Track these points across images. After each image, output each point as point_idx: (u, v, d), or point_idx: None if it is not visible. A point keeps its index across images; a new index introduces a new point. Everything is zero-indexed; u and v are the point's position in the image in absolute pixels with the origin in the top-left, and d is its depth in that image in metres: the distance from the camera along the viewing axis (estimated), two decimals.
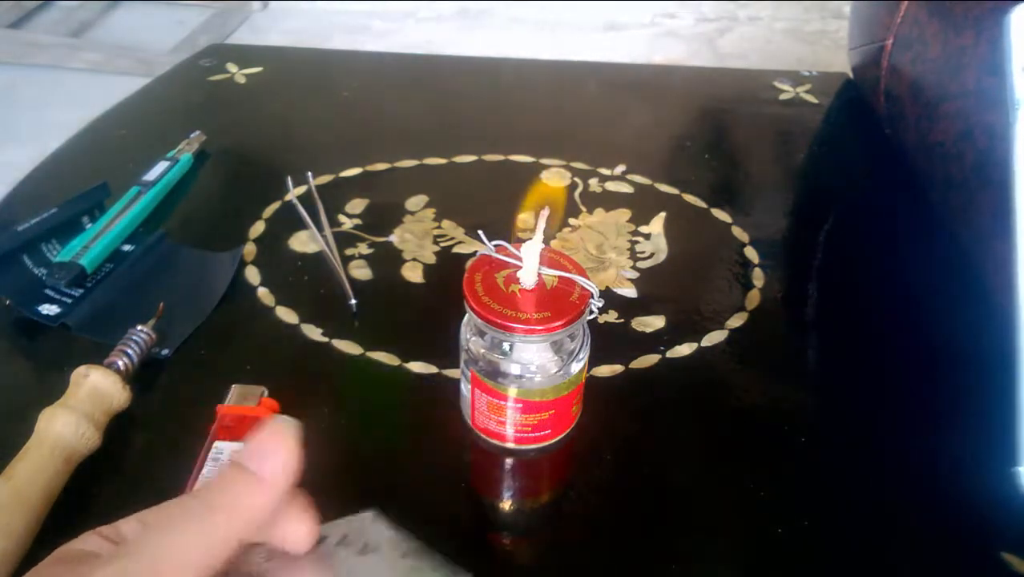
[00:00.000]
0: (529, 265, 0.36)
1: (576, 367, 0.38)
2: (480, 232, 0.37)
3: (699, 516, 0.38)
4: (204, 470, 0.37)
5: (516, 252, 0.36)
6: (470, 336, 0.38)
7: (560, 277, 0.36)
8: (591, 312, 0.37)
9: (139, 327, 0.43)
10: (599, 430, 0.42)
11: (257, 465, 0.23)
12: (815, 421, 0.43)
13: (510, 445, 0.40)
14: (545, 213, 0.35)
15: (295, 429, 0.24)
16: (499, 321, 0.35)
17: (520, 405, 0.37)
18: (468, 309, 0.36)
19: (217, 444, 0.38)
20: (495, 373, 0.37)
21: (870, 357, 0.47)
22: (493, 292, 0.36)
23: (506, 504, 0.39)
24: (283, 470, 0.23)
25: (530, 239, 0.35)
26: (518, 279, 0.36)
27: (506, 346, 0.37)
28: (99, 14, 2.04)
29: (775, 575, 0.36)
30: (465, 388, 0.40)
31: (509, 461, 0.40)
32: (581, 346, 0.38)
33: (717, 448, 0.41)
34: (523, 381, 0.37)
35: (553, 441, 0.40)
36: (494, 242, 0.37)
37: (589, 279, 0.36)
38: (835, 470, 0.41)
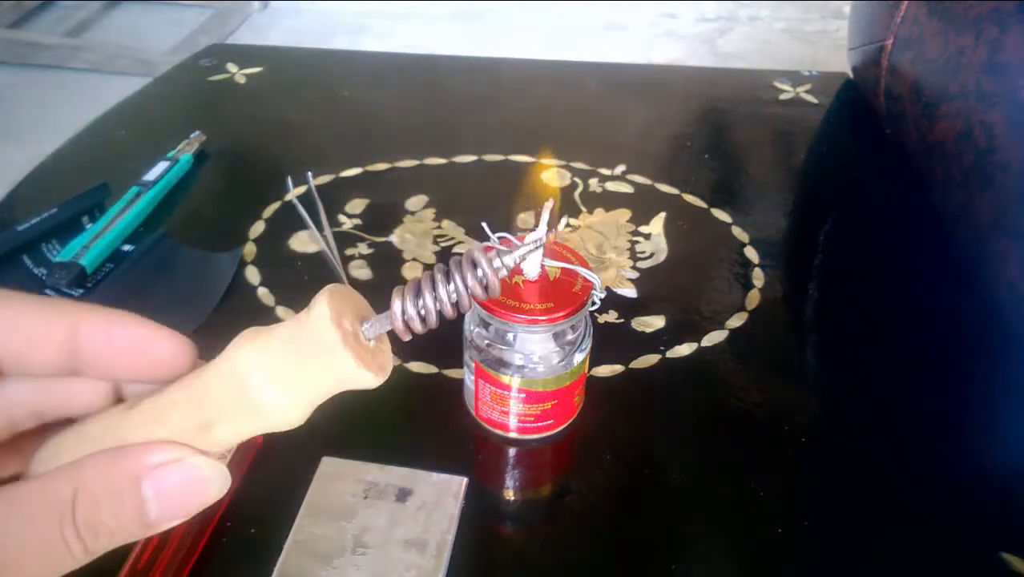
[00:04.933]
0: (532, 257, 0.36)
1: (578, 358, 0.38)
2: (484, 224, 0.37)
3: (699, 516, 0.38)
4: None
5: (519, 244, 0.36)
6: (474, 327, 0.38)
7: (563, 269, 0.37)
8: (594, 303, 0.37)
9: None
10: (599, 430, 0.42)
11: (154, 501, 0.19)
12: (815, 421, 0.43)
13: (513, 435, 0.40)
14: (549, 205, 0.36)
15: (220, 484, 0.20)
16: (502, 312, 0.35)
17: (523, 395, 0.38)
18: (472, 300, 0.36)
19: None
20: (498, 363, 0.37)
21: (870, 357, 0.47)
22: None
23: (508, 493, 0.39)
24: (174, 522, 0.20)
25: (533, 231, 0.36)
26: (521, 270, 0.37)
27: (509, 336, 0.37)
28: (99, 14, 2.04)
29: (775, 575, 0.36)
30: (469, 379, 0.40)
31: (512, 450, 0.41)
32: (583, 337, 0.38)
33: (717, 448, 0.41)
34: (526, 371, 0.37)
35: (556, 431, 0.40)
36: (498, 234, 0.37)
37: (592, 270, 0.36)
38: (835, 470, 0.41)
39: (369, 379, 0.21)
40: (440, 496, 0.37)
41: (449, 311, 0.22)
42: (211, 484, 0.20)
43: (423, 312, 0.22)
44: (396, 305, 0.21)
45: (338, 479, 0.38)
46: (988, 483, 0.40)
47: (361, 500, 0.37)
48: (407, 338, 0.22)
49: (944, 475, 0.40)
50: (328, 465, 0.38)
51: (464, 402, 0.42)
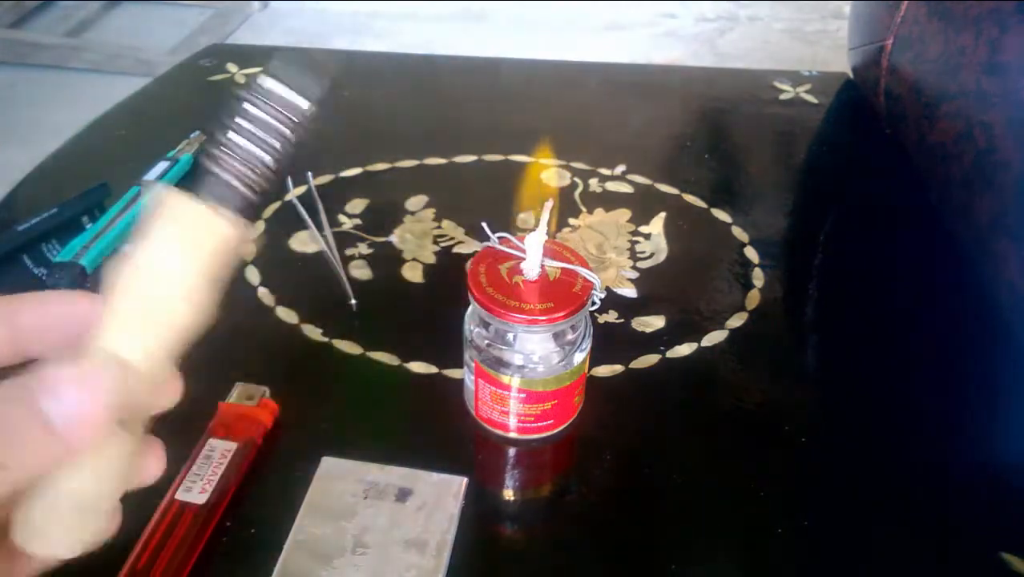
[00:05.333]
0: (532, 256, 0.36)
1: (578, 358, 0.38)
2: (484, 224, 0.37)
3: (699, 516, 0.38)
4: (194, 467, 0.37)
5: (519, 244, 0.37)
6: (474, 327, 0.38)
7: (563, 268, 0.37)
8: (593, 303, 0.37)
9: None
10: (599, 430, 0.42)
11: (55, 409, 0.19)
12: (815, 421, 0.43)
13: (513, 435, 0.40)
14: (549, 205, 0.36)
15: (112, 372, 0.20)
16: (502, 312, 0.35)
17: (523, 395, 0.38)
18: (472, 300, 0.36)
19: (211, 441, 0.38)
20: (498, 363, 0.37)
21: (870, 357, 0.47)
22: (497, 283, 0.36)
23: (508, 493, 0.40)
24: (88, 427, 0.19)
25: (533, 231, 0.36)
26: (521, 270, 0.37)
27: (509, 336, 0.37)
28: (99, 14, 2.04)
29: (775, 575, 0.36)
30: (469, 379, 0.40)
31: (512, 450, 0.41)
32: (583, 337, 0.38)
33: (717, 448, 0.41)
34: (526, 371, 0.37)
35: (556, 431, 0.40)
36: (498, 234, 0.37)
37: (592, 270, 0.36)
38: (835, 470, 0.41)
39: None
40: (440, 496, 0.37)
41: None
42: (105, 374, 0.20)
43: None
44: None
45: (338, 479, 0.38)
46: (988, 483, 0.40)
47: (361, 500, 0.37)
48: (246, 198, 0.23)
49: (944, 475, 0.40)
50: (328, 465, 0.38)
51: (464, 402, 0.42)
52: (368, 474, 0.38)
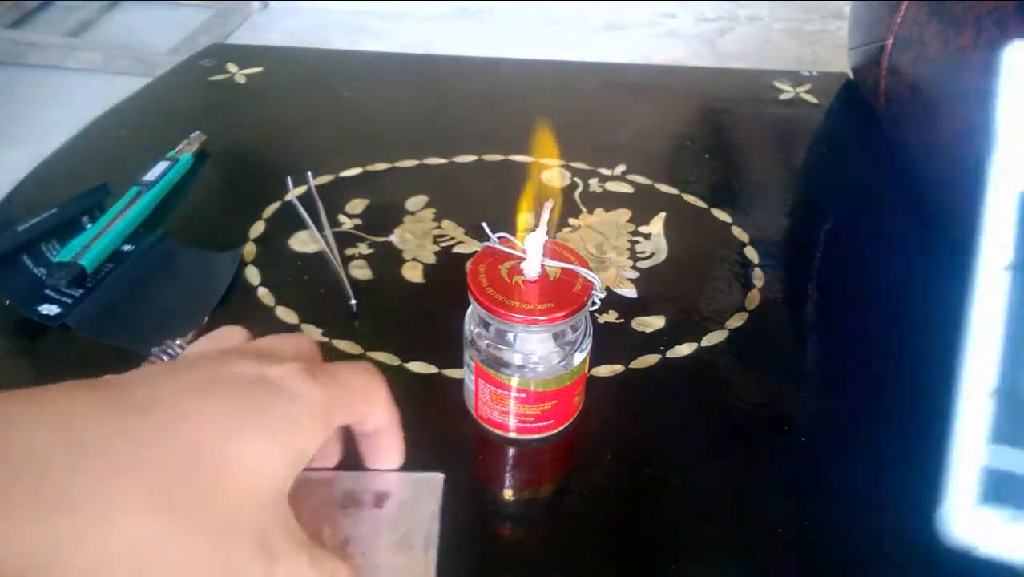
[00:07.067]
0: (533, 256, 0.36)
1: (578, 358, 0.38)
2: (484, 224, 0.37)
3: (699, 516, 0.38)
4: None
5: (519, 244, 0.37)
6: (474, 327, 0.38)
7: (563, 268, 0.37)
8: (594, 303, 0.37)
9: (178, 341, 0.39)
10: (599, 430, 0.42)
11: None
12: (815, 421, 0.43)
13: (513, 435, 0.40)
14: (549, 205, 0.36)
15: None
16: (502, 312, 0.35)
17: (523, 395, 0.38)
18: (472, 300, 0.36)
19: None
20: (498, 363, 0.37)
21: (870, 357, 0.47)
22: (497, 283, 0.36)
23: (508, 493, 0.39)
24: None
25: (533, 231, 0.36)
26: (521, 270, 0.37)
27: (509, 336, 0.37)
28: (99, 14, 2.04)
29: (775, 575, 0.36)
30: (468, 379, 0.40)
31: (512, 450, 0.41)
32: (583, 337, 0.38)
33: (717, 448, 0.41)
34: (526, 371, 0.37)
35: (556, 432, 0.40)
36: (498, 234, 0.37)
37: (592, 270, 0.36)
38: (835, 470, 0.41)
39: None
40: (418, 495, 0.36)
41: None
42: None
43: None
44: None
45: (309, 495, 0.35)
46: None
47: (339, 510, 0.36)
48: None
49: (944, 475, 0.40)
50: (299, 480, 0.35)
51: (464, 402, 0.42)
52: (341, 483, 0.37)
